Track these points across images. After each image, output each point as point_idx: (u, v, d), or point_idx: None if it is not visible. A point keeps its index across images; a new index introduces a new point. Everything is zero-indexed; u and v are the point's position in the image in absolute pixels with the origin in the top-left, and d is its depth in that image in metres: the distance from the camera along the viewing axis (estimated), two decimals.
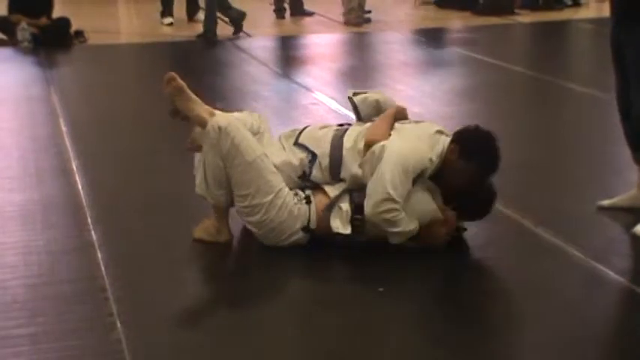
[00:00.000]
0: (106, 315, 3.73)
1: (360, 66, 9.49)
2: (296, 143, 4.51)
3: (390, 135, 4.39)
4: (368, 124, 4.54)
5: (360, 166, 4.35)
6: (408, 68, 9.27)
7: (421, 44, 10.70)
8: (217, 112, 4.47)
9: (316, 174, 4.45)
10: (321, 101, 7.48)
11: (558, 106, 7.52)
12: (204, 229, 4.49)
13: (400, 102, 4.74)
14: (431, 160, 4.30)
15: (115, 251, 4.36)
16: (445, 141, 4.39)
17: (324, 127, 4.63)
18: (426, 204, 4.31)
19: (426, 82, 8.52)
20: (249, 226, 4.40)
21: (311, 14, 12.58)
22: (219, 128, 4.29)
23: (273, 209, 4.29)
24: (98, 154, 6.05)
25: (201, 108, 4.43)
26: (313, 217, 4.34)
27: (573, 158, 5.90)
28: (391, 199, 4.17)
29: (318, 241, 4.35)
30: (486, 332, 3.69)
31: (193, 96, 4.44)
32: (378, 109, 4.64)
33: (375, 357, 3.46)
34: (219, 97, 7.67)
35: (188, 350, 3.49)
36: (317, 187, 4.44)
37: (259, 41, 10.81)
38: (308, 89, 8.01)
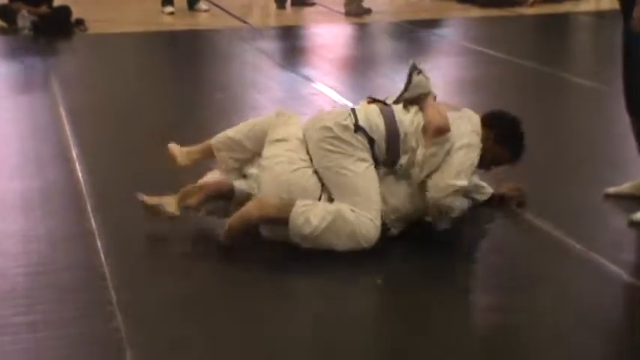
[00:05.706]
0: (105, 303, 3.72)
1: (360, 56, 9.47)
2: (355, 124, 4.37)
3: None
4: (413, 109, 4.49)
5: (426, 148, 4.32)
6: (409, 59, 9.22)
7: (421, 35, 10.67)
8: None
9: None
10: (321, 91, 7.46)
11: (560, 98, 7.51)
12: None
13: None
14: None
15: (115, 239, 4.35)
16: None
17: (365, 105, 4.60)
18: None
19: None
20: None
21: (312, 4, 12.55)
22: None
23: None
24: (98, 142, 6.04)
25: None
26: None
27: (575, 151, 5.89)
28: (459, 191, 4.25)
29: None
30: (484, 326, 3.68)
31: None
32: (418, 98, 4.61)
33: (371, 349, 3.45)
34: (219, 87, 7.68)
35: (187, 339, 3.48)
36: None
37: (260, 31, 10.79)
38: (308, 79, 7.98)
